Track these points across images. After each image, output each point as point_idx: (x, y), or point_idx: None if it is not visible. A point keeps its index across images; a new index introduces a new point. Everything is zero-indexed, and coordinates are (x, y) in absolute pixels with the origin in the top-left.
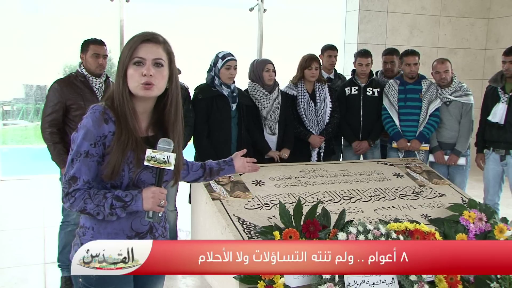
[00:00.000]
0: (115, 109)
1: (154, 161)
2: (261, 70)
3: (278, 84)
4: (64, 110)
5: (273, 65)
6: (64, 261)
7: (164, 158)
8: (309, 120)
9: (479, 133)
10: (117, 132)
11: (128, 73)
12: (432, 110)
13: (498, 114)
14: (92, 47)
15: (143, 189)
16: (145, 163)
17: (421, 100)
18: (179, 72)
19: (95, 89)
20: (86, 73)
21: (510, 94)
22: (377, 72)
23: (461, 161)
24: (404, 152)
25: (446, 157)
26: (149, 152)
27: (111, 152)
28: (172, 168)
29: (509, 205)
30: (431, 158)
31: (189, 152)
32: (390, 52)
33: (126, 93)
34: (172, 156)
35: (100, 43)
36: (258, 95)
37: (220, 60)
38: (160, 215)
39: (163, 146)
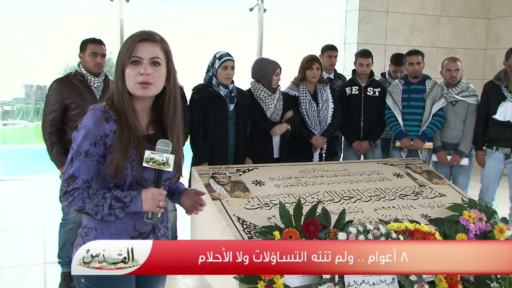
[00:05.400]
0: (115, 108)
1: (153, 163)
2: (271, 72)
3: (279, 85)
4: (63, 109)
5: (280, 68)
6: (64, 258)
7: (163, 160)
8: (311, 121)
9: (478, 130)
10: (118, 131)
11: (126, 72)
12: (436, 110)
13: (508, 113)
14: (90, 46)
15: (142, 190)
16: (144, 164)
17: (425, 100)
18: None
19: (93, 88)
20: (84, 72)
21: None
22: (383, 74)
23: (464, 161)
24: (407, 151)
25: (449, 157)
26: (147, 153)
27: (114, 151)
28: (171, 169)
29: (509, 205)
30: (434, 158)
31: (186, 153)
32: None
33: (125, 92)
34: (171, 158)
35: (99, 42)
36: (263, 95)
37: (217, 60)
38: (159, 216)
39: (162, 147)
